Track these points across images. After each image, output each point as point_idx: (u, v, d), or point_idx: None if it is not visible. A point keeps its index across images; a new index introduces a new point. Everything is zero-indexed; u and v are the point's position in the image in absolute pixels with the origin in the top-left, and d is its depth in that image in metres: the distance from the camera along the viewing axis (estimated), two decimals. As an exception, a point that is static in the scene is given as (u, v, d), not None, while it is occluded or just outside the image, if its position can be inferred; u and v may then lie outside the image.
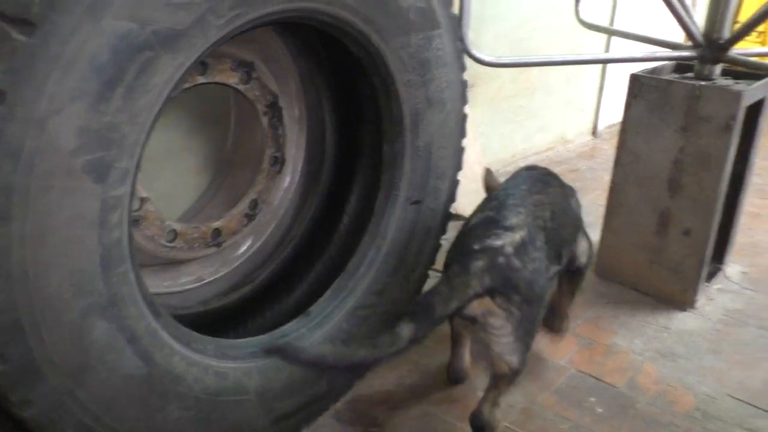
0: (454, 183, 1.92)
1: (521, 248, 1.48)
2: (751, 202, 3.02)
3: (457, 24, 1.73)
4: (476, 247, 1.48)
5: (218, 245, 1.77)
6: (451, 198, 1.93)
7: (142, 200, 1.55)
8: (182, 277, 1.77)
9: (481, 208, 1.72)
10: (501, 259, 1.45)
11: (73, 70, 0.97)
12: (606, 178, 2.61)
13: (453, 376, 1.84)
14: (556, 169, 2.81)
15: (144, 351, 1.19)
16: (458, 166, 1.92)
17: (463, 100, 1.84)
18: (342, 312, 1.75)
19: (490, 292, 1.44)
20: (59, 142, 0.97)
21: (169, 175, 2.01)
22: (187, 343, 1.31)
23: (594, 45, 3.63)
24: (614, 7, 3.69)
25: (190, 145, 2.06)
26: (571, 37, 3.47)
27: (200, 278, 1.81)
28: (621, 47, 3.55)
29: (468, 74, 2.09)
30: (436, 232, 1.90)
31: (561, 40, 3.44)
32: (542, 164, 3.52)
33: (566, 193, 1.86)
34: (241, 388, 1.42)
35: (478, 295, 1.44)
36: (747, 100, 1.96)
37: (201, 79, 1.55)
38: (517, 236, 1.50)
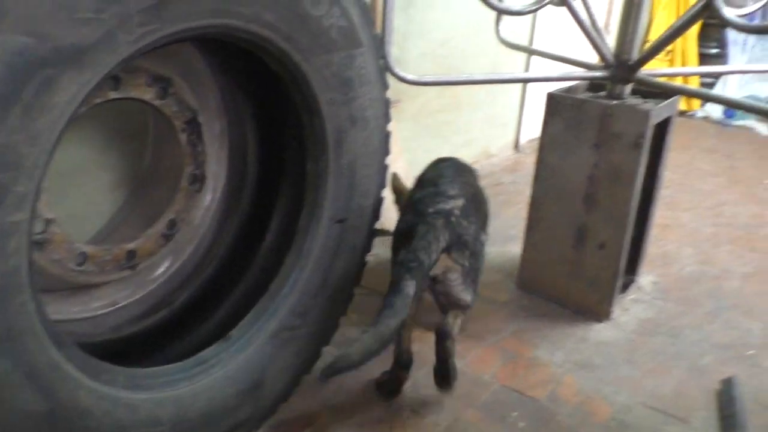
0: (379, 200, 1.92)
1: (464, 212, 1.76)
2: (661, 214, 3.18)
3: (380, 42, 1.73)
4: (431, 210, 1.74)
5: (133, 267, 1.70)
6: (376, 215, 1.92)
7: (48, 222, 1.47)
8: (93, 302, 1.68)
9: (418, 189, 1.96)
10: (453, 219, 1.72)
11: (-38, 88, 0.90)
12: (528, 191, 2.68)
13: (400, 359, 1.85)
14: (481, 183, 2.88)
15: (45, 386, 1.11)
16: (382, 184, 1.92)
17: (387, 118, 1.85)
18: (264, 335, 1.71)
19: (448, 249, 1.70)
20: (-53, 166, 0.90)
21: (82, 192, 1.91)
22: (95, 375, 1.24)
23: (515, 62, 3.74)
24: (533, 27, 3.82)
25: (105, 160, 1.97)
26: (493, 55, 3.55)
27: (114, 302, 1.72)
28: (540, 66, 3.68)
29: (393, 90, 2.10)
30: (362, 250, 1.89)
31: (484, 56, 3.53)
32: (467, 179, 3.56)
33: (477, 178, 2.18)
34: (155, 420, 1.36)
35: (443, 250, 1.69)
36: (655, 119, 2.07)
37: (113, 95, 1.48)
38: (460, 202, 1.78)
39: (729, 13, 1.75)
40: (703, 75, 4.80)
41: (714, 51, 5.06)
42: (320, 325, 1.81)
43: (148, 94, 1.58)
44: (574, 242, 2.26)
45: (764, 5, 4.81)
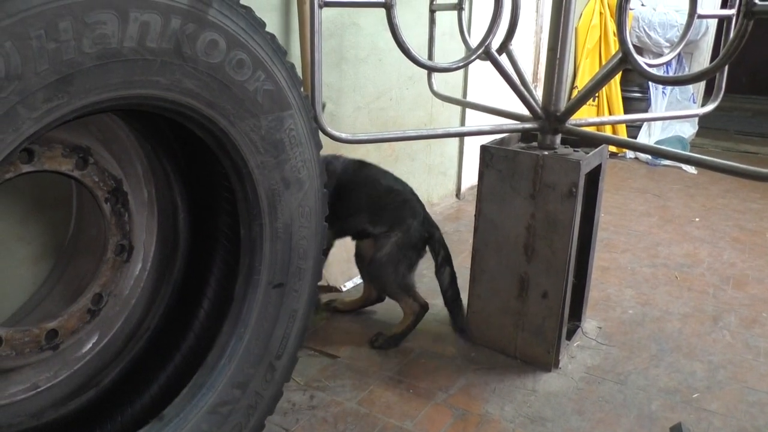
0: (319, 261, 1.87)
1: None
2: (600, 257, 3.25)
3: (309, 103, 1.72)
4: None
5: (54, 348, 1.58)
6: (317, 276, 1.87)
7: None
8: (11, 387, 1.55)
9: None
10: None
11: None
12: (471, 240, 2.68)
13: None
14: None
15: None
16: (321, 244, 1.87)
17: (322, 178, 1.82)
18: (201, 411, 1.62)
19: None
20: None
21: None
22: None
23: (451, 111, 3.82)
24: (466, 78, 3.92)
25: (25, 232, 1.86)
26: (429, 105, 3.62)
27: (34, 386, 1.60)
28: (475, 115, 3.76)
29: (332, 144, 2.09)
30: (303, 313, 1.83)
31: (419, 108, 3.58)
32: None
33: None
34: None
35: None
36: (586, 168, 2.11)
37: (26, 168, 1.40)
38: None
39: (645, 65, 1.82)
40: (627, 123, 5.02)
41: (637, 95, 5.31)
42: (259, 396, 1.72)
43: (66, 166, 1.50)
44: (518, 292, 2.26)
45: (677, 55, 5.08)
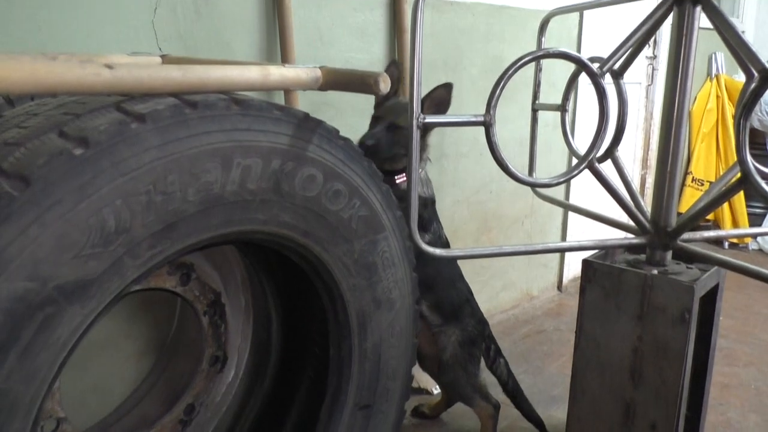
0: (408, 379, 1.83)
1: None
2: (719, 371, 2.96)
3: (405, 223, 1.71)
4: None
5: (146, 459, 1.63)
6: (405, 396, 1.82)
7: (59, 421, 1.43)
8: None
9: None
10: None
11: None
12: (573, 340, 2.53)
13: None
14: (522, 330, 2.74)
15: None
16: (412, 362, 1.83)
17: (415, 295, 1.79)
18: None
19: None
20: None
21: (106, 363, 1.90)
22: None
23: (552, 205, 3.70)
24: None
25: (131, 330, 1.96)
26: (529, 197, 3.54)
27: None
28: (577, 215, 3.64)
29: None
30: (390, 433, 1.78)
31: (520, 199, 3.51)
32: (508, 323, 3.45)
33: None
34: None
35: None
36: (700, 291, 1.94)
37: (133, 287, 1.48)
38: None
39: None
40: (749, 236, 4.68)
41: (759, 211, 4.98)
42: None
43: (170, 283, 1.58)
44: (622, 420, 2.08)
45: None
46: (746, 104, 1.69)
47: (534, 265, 3.79)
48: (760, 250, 4.93)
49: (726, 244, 4.99)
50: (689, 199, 4.98)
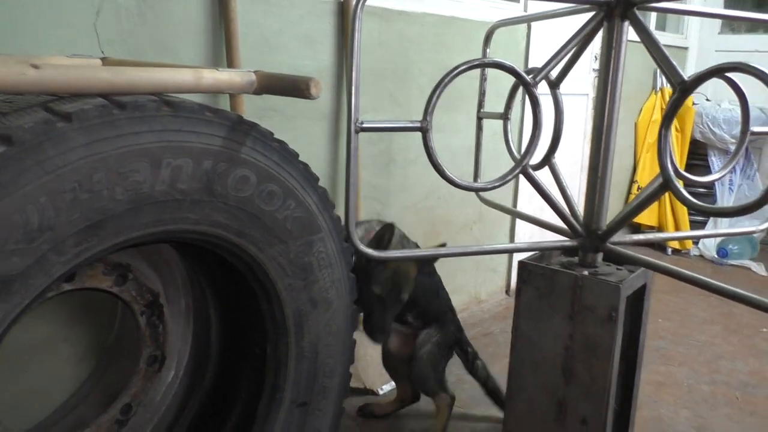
0: (346, 378, 1.87)
1: None
2: (654, 369, 3.09)
3: (341, 224, 1.76)
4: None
5: (79, 461, 1.63)
6: (343, 393, 1.86)
7: (-12, 421, 1.42)
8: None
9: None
10: None
11: None
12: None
13: None
14: (470, 332, 2.81)
15: None
16: (350, 360, 1.87)
17: (352, 295, 1.84)
18: None
19: None
20: None
21: (43, 366, 1.89)
22: None
23: (498, 212, 3.80)
24: (517, 182, 3.92)
25: (69, 334, 1.96)
26: (477, 204, 3.61)
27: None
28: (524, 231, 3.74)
29: None
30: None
31: (469, 206, 3.60)
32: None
33: None
34: None
35: None
36: (627, 291, 2.04)
37: (67, 287, 1.49)
38: None
39: (686, 194, 1.77)
40: (682, 239, 4.87)
41: (702, 190, 5.14)
42: None
43: (106, 283, 1.59)
44: (555, 416, 2.16)
45: (746, 151, 4.92)
46: (666, 114, 1.80)
47: (483, 270, 3.88)
48: (701, 256, 5.13)
49: (669, 251, 5.18)
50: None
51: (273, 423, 1.69)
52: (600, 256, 2.20)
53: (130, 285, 1.66)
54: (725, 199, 5.04)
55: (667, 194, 5.31)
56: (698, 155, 5.29)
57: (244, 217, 1.44)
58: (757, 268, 4.79)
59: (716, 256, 4.98)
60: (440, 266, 3.51)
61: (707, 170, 5.20)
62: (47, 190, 1.05)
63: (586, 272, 2.11)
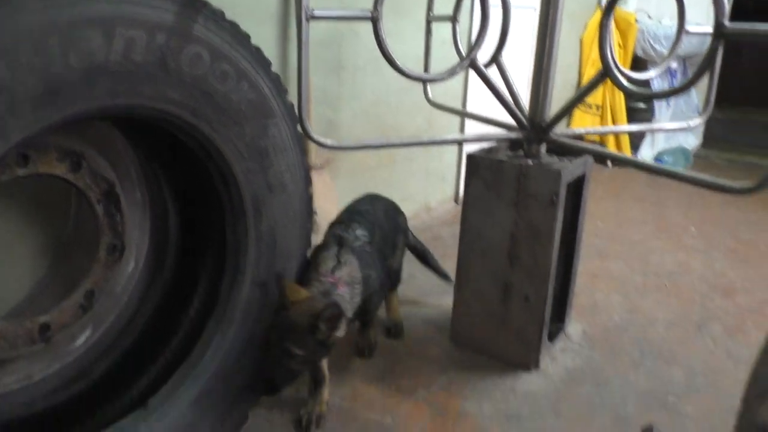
0: (303, 262, 1.95)
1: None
2: (591, 264, 3.30)
3: (295, 110, 1.80)
4: None
5: (47, 340, 1.67)
6: (301, 276, 1.95)
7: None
8: (5, 378, 1.65)
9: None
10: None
11: None
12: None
13: None
14: (420, 237, 2.94)
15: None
16: (306, 245, 1.96)
17: (307, 182, 1.90)
18: (185, 401, 1.70)
19: None
20: None
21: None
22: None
23: (449, 119, 3.88)
24: (466, 86, 3.98)
25: (24, 230, 1.96)
26: (427, 111, 3.68)
27: (27, 376, 1.69)
28: (475, 124, 3.83)
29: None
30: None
31: (418, 113, 3.65)
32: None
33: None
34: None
35: None
36: (567, 177, 2.17)
37: (21, 172, 1.50)
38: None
39: (624, 81, 1.88)
40: (620, 133, 5.04)
41: (642, 105, 5.33)
42: (243, 390, 1.80)
43: (60, 169, 1.60)
44: (501, 297, 2.33)
45: (683, 66, 5.09)
46: (608, 4, 1.86)
47: (432, 179, 3.99)
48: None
49: (609, 164, 5.40)
50: (579, 121, 5.32)
51: (235, 302, 1.77)
52: (543, 147, 2.32)
53: (84, 173, 1.66)
54: (663, 114, 5.25)
55: (608, 112, 5.42)
56: (639, 71, 5.44)
57: (198, 96, 1.46)
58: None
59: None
60: (391, 174, 3.61)
61: (648, 85, 5.37)
62: (1, 52, 1.05)
63: (530, 162, 2.22)
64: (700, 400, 2.22)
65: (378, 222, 2.31)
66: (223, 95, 1.52)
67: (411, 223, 3.80)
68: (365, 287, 2.03)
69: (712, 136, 6.12)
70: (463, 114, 2.79)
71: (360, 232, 2.15)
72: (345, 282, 1.95)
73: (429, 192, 3.99)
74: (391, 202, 2.56)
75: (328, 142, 1.96)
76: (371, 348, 2.39)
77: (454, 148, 4.12)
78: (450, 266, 3.06)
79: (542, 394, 2.22)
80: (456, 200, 4.25)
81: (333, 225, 2.21)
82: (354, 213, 2.29)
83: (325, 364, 2.04)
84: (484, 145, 2.44)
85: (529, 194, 2.18)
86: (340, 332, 1.82)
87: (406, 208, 3.78)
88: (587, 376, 2.33)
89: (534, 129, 2.27)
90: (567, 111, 2.19)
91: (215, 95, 1.50)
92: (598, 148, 2.30)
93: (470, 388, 2.23)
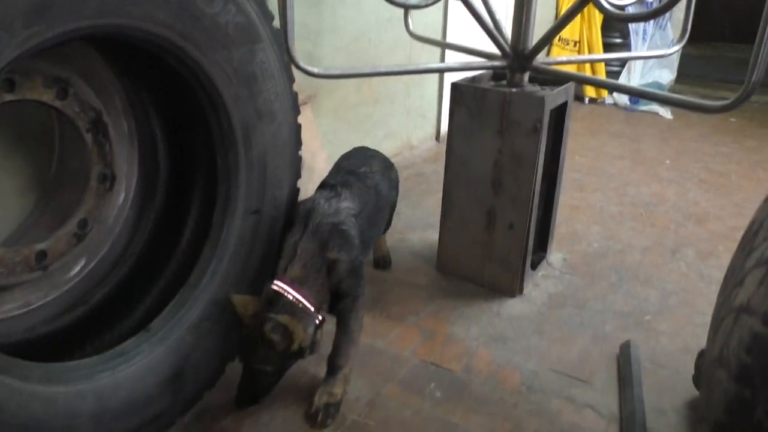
0: (294, 191, 1.98)
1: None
2: (571, 196, 3.38)
3: (282, 37, 1.79)
4: None
5: (44, 268, 1.69)
6: (293, 205, 1.98)
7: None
8: (5, 305, 1.67)
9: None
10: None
11: None
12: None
13: None
14: (404, 173, 2.97)
15: (-49, 384, 1.12)
16: (297, 175, 1.98)
17: (296, 111, 1.91)
18: (185, 325, 1.75)
19: None
20: None
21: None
22: (5, 370, 1.25)
23: (429, 56, 3.87)
24: (446, 19, 3.95)
25: (8, 165, 1.94)
26: (408, 47, 3.67)
27: (26, 304, 1.72)
28: (455, 60, 3.82)
29: (311, 85, 2.09)
30: (279, 239, 1.95)
31: (398, 49, 3.63)
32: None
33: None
34: (74, 412, 1.38)
35: None
36: (550, 105, 2.21)
37: (8, 97, 1.48)
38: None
39: (606, 3, 1.90)
40: (601, 61, 5.05)
41: (617, 40, 5.35)
42: (239, 314, 1.85)
43: (47, 96, 1.58)
44: (485, 225, 2.39)
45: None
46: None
47: (413, 116, 4.00)
48: (615, 104, 5.44)
49: (586, 100, 5.45)
50: (555, 56, 5.33)
51: (229, 229, 1.79)
52: (526, 76, 2.34)
53: (71, 100, 1.65)
54: (639, 47, 5.27)
55: (585, 45, 5.42)
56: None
57: (186, 18, 1.45)
58: (664, 112, 5.14)
59: (628, 103, 5.29)
60: (373, 112, 3.61)
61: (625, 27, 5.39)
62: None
63: (513, 90, 2.25)
64: (674, 318, 2.34)
65: (376, 186, 2.15)
66: (210, 18, 1.51)
67: (395, 160, 3.84)
68: (334, 274, 1.84)
69: (685, 72, 6.18)
70: (445, 45, 2.79)
71: (346, 204, 1.93)
72: (299, 280, 1.77)
73: (411, 130, 4.01)
74: (384, 158, 2.43)
75: (315, 70, 1.96)
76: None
77: (435, 85, 4.12)
78: (433, 201, 3.12)
79: (526, 317, 2.31)
80: (437, 138, 4.28)
81: (321, 187, 2.02)
82: (349, 174, 2.08)
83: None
84: (467, 75, 2.46)
85: (513, 121, 2.22)
86: (305, 334, 1.72)
87: (389, 146, 3.82)
88: (568, 300, 2.43)
89: (517, 57, 2.28)
90: (549, 39, 2.21)
91: (202, 18, 1.49)
92: (580, 75, 2.33)
93: (457, 314, 2.32)
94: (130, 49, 1.68)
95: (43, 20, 1.15)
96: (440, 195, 3.23)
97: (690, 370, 1.92)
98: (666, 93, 1.90)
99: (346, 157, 2.31)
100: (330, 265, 1.83)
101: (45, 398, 1.33)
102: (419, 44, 3.35)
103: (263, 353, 1.70)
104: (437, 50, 3.95)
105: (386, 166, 2.37)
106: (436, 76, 4.08)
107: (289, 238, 1.84)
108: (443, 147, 4.24)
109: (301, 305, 1.76)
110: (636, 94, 2.24)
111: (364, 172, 2.14)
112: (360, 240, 1.93)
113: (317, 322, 1.79)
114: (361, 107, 3.51)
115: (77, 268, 1.84)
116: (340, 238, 1.85)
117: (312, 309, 1.77)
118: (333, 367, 1.84)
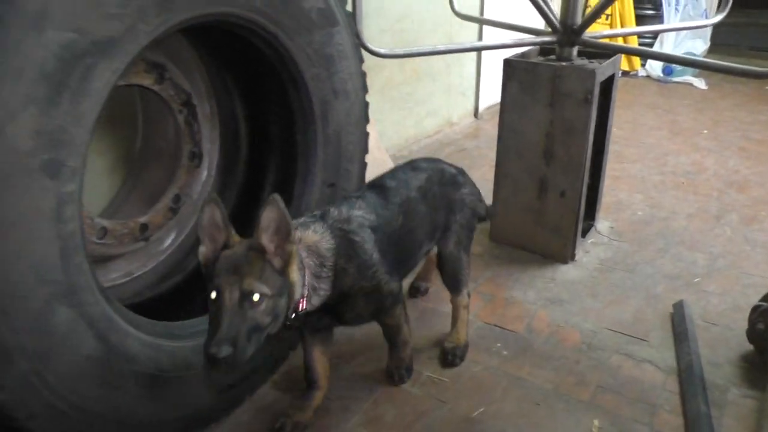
0: (363, 165, 2.11)
1: None
2: (612, 167, 3.46)
3: (353, 20, 1.91)
4: None
5: (146, 239, 1.85)
6: (362, 178, 2.11)
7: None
8: (111, 274, 1.84)
9: None
10: None
11: (23, 78, 1.06)
12: (490, 155, 2.91)
13: None
14: (446, 150, 3.09)
15: (101, 334, 1.28)
16: (365, 150, 2.11)
17: (365, 89, 2.04)
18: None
19: None
20: (17, 145, 1.06)
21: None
22: (138, 326, 1.41)
23: (467, 34, 3.96)
24: (482, 2, 4.04)
25: (99, 147, 2.10)
26: (448, 27, 3.76)
27: (129, 273, 1.88)
28: (492, 36, 3.90)
29: None
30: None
31: (439, 29, 3.73)
32: (432, 146, 3.79)
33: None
34: (189, 364, 1.54)
35: None
36: (600, 77, 2.30)
37: (120, 82, 1.62)
38: None
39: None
40: (638, 34, 5.09)
41: (650, 12, 5.37)
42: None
43: (148, 80, 1.73)
44: (537, 193, 2.50)
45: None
46: None
47: (453, 94, 4.10)
48: (648, 77, 5.48)
49: (619, 73, 5.48)
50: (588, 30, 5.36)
51: (309, 200, 1.94)
52: (575, 50, 2.44)
53: (167, 84, 1.80)
54: (671, 18, 5.29)
55: (617, 18, 5.43)
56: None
57: (278, 5, 1.58)
58: (698, 83, 5.17)
59: (661, 75, 5.32)
60: (416, 89, 3.72)
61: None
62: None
63: (564, 63, 2.35)
64: (722, 279, 2.44)
65: (408, 202, 1.76)
66: (296, 4, 1.64)
67: (436, 138, 3.97)
68: (337, 277, 1.53)
69: (716, 41, 6.17)
70: (492, 23, 2.88)
71: (358, 212, 1.61)
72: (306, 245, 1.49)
73: (451, 108, 4.11)
74: (442, 171, 1.96)
75: (382, 50, 2.08)
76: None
77: (473, 64, 4.21)
78: (478, 175, 3.23)
79: (579, 282, 2.43)
80: (476, 115, 4.37)
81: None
82: (373, 187, 1.76)
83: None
84: (516, 53, 2.56)
85: (563, 94, 2.32)
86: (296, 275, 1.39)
87: (431, 124, 3.94)
88: (618, 265, 2.55)
89: (566, 32, 2.38)
90: (599, 13, 2.30)
91: (290, 4, 1.62)
92: (629, 47, 2.42)
93: (514, 280, 2.45)
94: (216, 34, 1.82)
95: (170, 9, 1.29)
96: (484, 170, 3.36)
97: (742, 326, 2.03)
98: (708, 60, 1.99)
99: (390, 170, 1.93)
100: (338, 271, 1.54)
101: (168, 352, 1.49)
102: (459, 23, 3.45)
103: (260, 268, 1.30)
104: (475, 30, 4.04)
105: (442, 181, 1.93)
106: (474, 54, 4.17)
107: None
108: (482, 123, 4.38)
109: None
110: (687, 64, 2.32)
111: (393, 187, 1.76)
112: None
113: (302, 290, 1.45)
114: (404, 86, 3.63)
115: (169, 241, 2.00)
116: (351, 248, 1.56)
117: (306, 278, 1.47)
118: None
